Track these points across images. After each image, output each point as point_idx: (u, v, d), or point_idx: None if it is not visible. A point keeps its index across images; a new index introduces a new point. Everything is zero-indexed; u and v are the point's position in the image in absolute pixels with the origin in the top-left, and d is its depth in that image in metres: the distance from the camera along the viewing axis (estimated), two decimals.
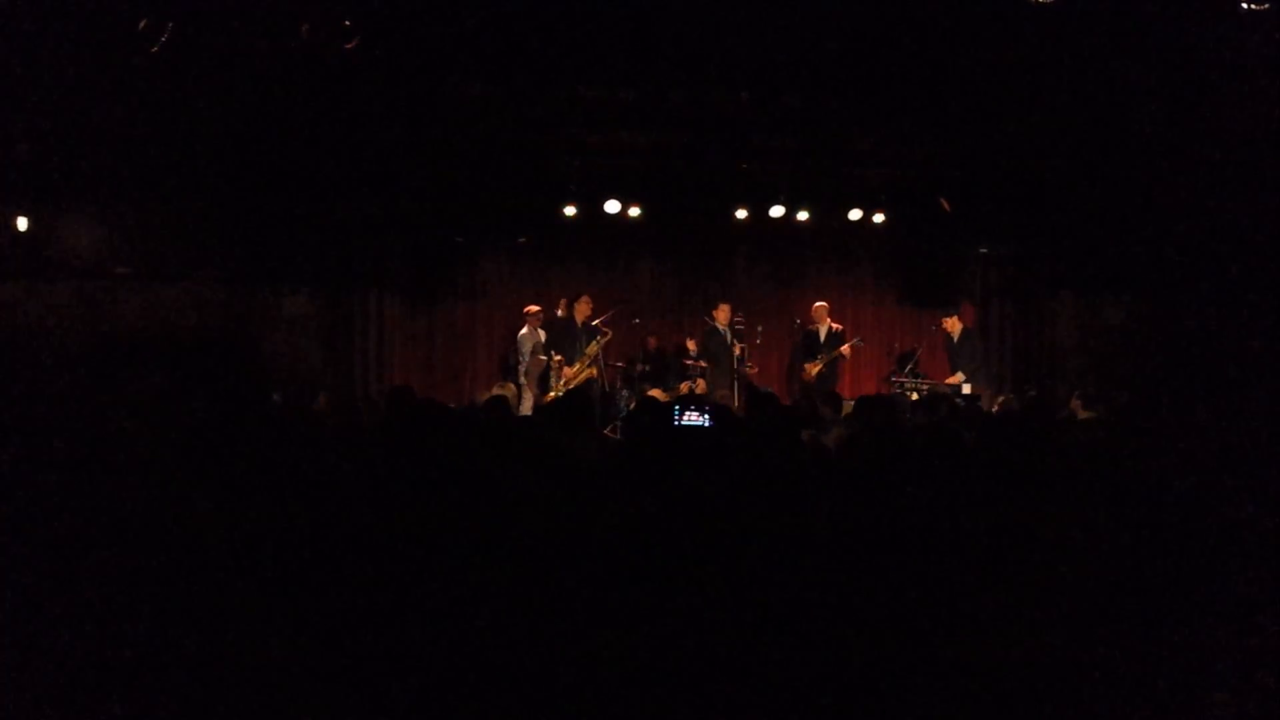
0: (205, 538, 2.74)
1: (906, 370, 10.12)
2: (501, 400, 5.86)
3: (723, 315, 10.23)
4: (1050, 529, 2.69)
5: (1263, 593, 2.32)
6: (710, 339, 10.29)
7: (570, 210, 10.09)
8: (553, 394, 9.48)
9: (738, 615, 2.50)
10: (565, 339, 9.95)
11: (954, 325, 10.24)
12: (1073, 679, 2.22)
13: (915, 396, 9.54)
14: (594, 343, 9.93)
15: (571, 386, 9.55)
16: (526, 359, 10.19)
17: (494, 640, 2.46)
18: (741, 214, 10.32)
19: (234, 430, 4.14)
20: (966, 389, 9.62)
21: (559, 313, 10.40)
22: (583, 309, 10.03)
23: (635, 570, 2.58)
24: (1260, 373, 8.07)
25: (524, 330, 10.34)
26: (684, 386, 10.13)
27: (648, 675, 2.33)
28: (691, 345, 10.48)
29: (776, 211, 10.23)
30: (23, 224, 9.03)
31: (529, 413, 8.90)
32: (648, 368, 10.39)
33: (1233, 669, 2.14)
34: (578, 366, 9.80)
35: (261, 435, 4.12)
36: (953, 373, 10.07)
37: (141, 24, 6.49)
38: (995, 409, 7.87)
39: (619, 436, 8.17)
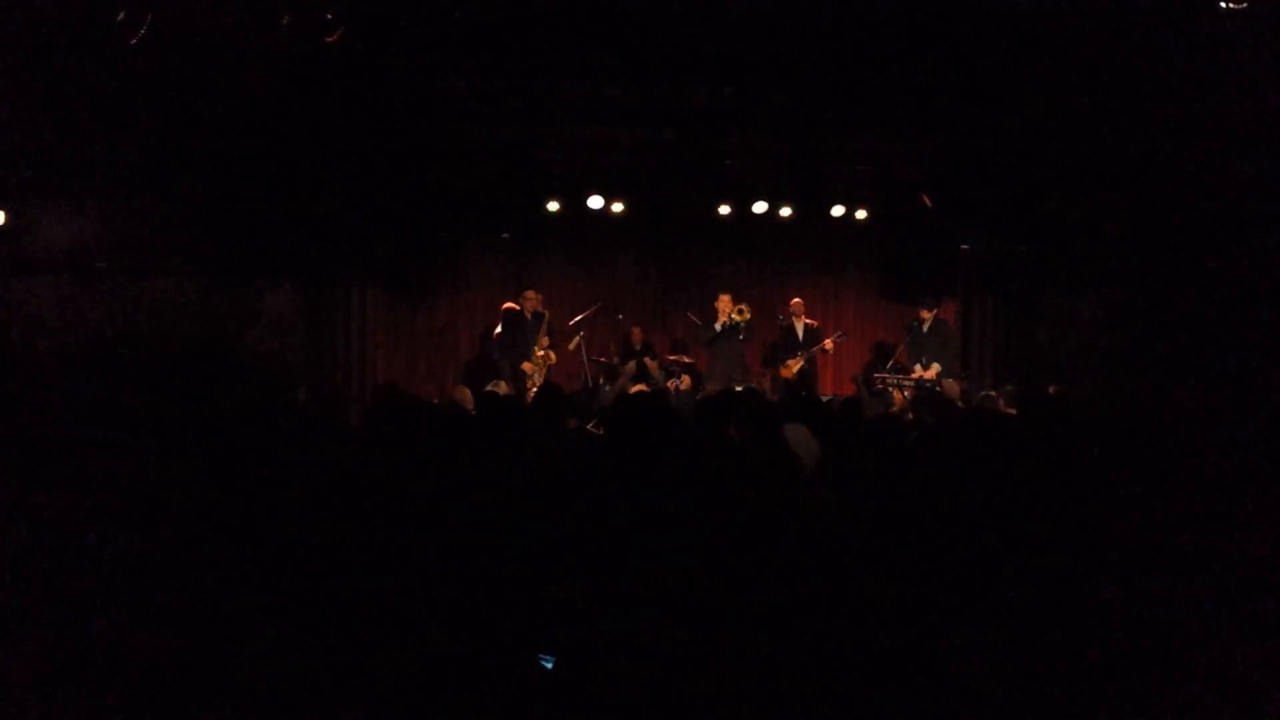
0: (187, 530, 2.72)
1: (888, 367, 10.15)
2: (491, 396, 5.86)
3: (724, 305, 10.22)
4: (1041, 524, 2.71)
5: (1255, 586, 2.33)
6: (704, 331, 10.31)
7: (553, 205, 10.08)
8: (532, 390, 9.46)
9: (722, 613, 2.51)
10: (515, 334, 9.90)
11: (928, 317, 10.22)
12: (1069, 678, 2.23)
13: (900, 395, 9.57)
14: (578, 336, 9.94)
15: (538, 380, 9.53)
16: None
17: (480, 634, 2.46)
18: (725, 210, 10.34)
19: (218, 426, 4.12)
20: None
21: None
22: (529, 302, 9.97)
23: (620, 566, 2.58)
24: (1242, 366, 8.13)
25: (498, 329, 10.31)
26: (669, 384, 10.12)
27: (634, 672, 2.34)
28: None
29: (760, 207, 10.26)
30: (0, 218, 8.94)
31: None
32: (639, 362, 10.36)
33: (1231, 664, 2.16)
34: (534, 361, 9.79)
35: (245, 430, 4.09)
36: (911, 362, 10.11)
37: (120, 15, 6.43)
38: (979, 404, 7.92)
39: (600, 432, 8.14)
